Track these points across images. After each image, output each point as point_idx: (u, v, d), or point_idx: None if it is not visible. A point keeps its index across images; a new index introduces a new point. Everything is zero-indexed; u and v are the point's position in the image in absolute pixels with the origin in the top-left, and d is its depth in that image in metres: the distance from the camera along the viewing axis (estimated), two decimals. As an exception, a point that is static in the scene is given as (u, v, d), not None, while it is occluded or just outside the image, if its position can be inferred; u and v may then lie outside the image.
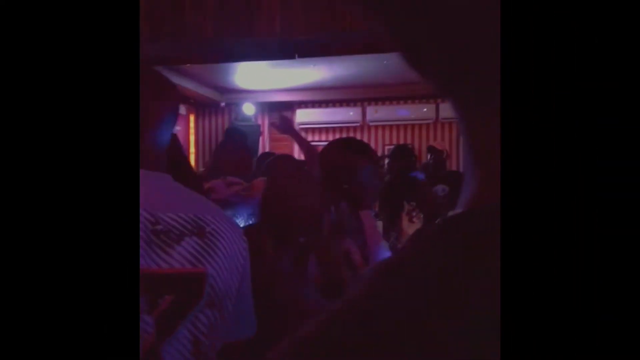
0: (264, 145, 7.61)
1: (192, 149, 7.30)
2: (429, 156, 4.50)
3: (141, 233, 0.74)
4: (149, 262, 0.74)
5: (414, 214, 2.93)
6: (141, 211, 0.75)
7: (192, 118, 7.50)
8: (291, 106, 7.42)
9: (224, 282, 0.81)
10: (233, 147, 2.20)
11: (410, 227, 2.80)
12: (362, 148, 1.73)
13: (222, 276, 0.81)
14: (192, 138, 7.39)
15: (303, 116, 7.37)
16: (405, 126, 7.07)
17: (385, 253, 1.62)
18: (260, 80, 6.39)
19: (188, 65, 5.11)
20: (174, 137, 2.68)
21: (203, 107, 7.41)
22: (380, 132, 7.20)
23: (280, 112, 6.07)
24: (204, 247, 0.80)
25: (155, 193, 0.80)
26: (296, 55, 3.01)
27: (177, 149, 2.52)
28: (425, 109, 6.91)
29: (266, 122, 7.60)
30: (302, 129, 7.50)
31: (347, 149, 1.68)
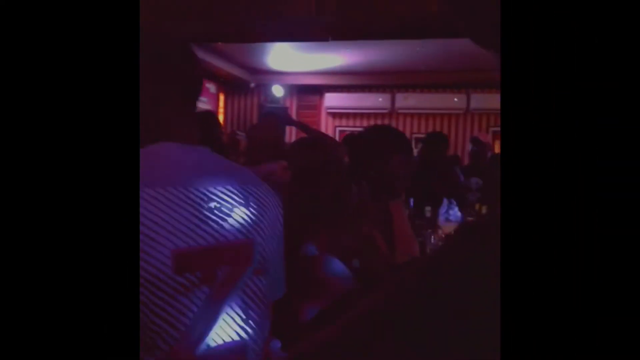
0: (290, 127, 7.62)
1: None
2: (470, 147, 4.44)
3: (194, 211, 0.75)
4: (206, 237, 0.76)
5: (451, 212, 2.90)
6: (191, 189, 0.77)
7: (221, 97, 7.55)
8: (320, 90, 7.39)
9: (268, 248, 0.85)
10: (268, 128, 2.21)
11: (447, 225, 2.76)
12: (396, 136, 1.71)
13: (267, 243, 0.85)
14: (221, 117, 7.45)
15: (332, 100, 7.34)
16: (435, 116, 6.97)
17: (414, 248, 1.61)
18: (291, 62, 6.38)
19: (219, 43, 5.12)
20: (213, 115, 2.71)
21: (233, 87, 7.45)
22: (408, 120, 7.12)
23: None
24: (251, 217, 0.83)
25: (202, 168, 0.82)
26: (330, 38, 2.98)
27: (216, 126, 2.56)
28: (456, 99, 6.80)
29: (294, 104, 7.60)
30: (330, 113, 7.48)
31: (380, 137, 1.66)
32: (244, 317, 0.82)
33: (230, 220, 0.80)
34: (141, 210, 0.70)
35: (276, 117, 2.88)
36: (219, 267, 0.78)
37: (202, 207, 0.77)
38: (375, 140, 1.66)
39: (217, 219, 0.78)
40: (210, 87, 7.42)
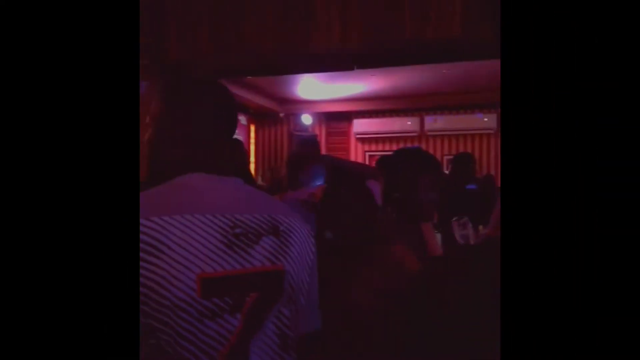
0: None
1: (252, 158, 7.48)
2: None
3: (220, 237, 0.77)
4: (232, 263, 0.77)
5: (462, 228, 2.82)
6: (218, 215, 0.79)
7: (252, 128, 7.70)
8: (348, 116, 7.45)
9: (298, 277, 0.85)
10: (306, 157, 2.23)
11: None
12: (425, 158, 1.71)
13: (296, 272, 0.85)
14: (252, 147, 7.58)
15: (360, 126, 7.37)
16: (465, 136, 6.90)
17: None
18: (318, 90, 6.47)
19: (248, 77, 5.26)
20: (240, 143, 2.76)
21: (262, 118, 7.59)
22: (438, 142, 7.08)
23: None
24: (279, 245, 0.84)
25: (230, 197, 0.84)
26: (355, 67, 3.02)
27: (242, 155, 2.60)
28: (485, 119, 6.72)
29: (323, 131, 7.66)
30: (359, 138, 7.50)
31: (409, 159, 1.67)
32: (281, 346, 0.82)
33: (257, 247, 0.81)
34: (169, 235, 0.72)
35: (307, 145, 2.90)
36: (247, 293, 0.78)
37: (229, 233, 0.79)
38: (405, 162, 1.67)
39: (244, 246, 0.79)
40: (242, 119, 7.58)
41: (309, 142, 2.64)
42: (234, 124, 0.94)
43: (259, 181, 6.72)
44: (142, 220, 0.71)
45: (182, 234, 0.73)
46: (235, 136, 0.95)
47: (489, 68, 4.00)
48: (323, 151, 7.73)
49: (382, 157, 2.07)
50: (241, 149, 2.72)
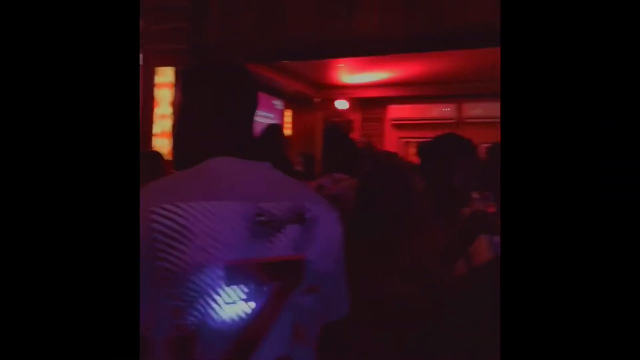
0: (355, 141, 7.62)
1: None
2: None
3: (245, 224, 0.77)
4: (256, 251, 0.78)
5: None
6: (243, 203, 0.78)
7: (287, 114, 7.73)
8: (384, 102, 7.38)
9: (322, 266, 0.84)
10: (336, 144, 2.23)
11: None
12: (461, 143, 1.69)
13: (320, 261, 0.84)
14: (287, 133, 7.62)
15: (395, 112, 7.30)
16: (504, 124, 6.72)
17: (486, 255, 1.57)
18: (354, 76, 6.43)
19: (285, 61, 5.27)
20: (278, 127, 2.76)
21: (298, 103, 7.60)
22: (474, 129, 6.93)
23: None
24: (304, 234, 0.83)
25: (257, 183, 0.84)
26: (392, 51, 2.99)
27: (279, 139, 2.61)
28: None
29: (359, 117, 7.62)
30: (394, 125, 7.43)
31: (446, 144, 1.65)
32: (294, 335, 0.82)
33: (281, 236, 0.81)
34: (194, 222, 0.73)
35: (343, 133, 2.88)
36: (269, 281, 0.79)
37: (253, 220, 0.79)
38: (442, 147, 1.65)
39: (268, 234, 0.80)
40: (277, 103, 7.61)
41: (339, 130, 2.62)
42: (253, 106, 0.93)
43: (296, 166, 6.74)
44: (168, 205, 0.73)
45: (207, 221, 0.74)
46: (273, 121, 0.95)
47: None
48: (357, 137, 7.69)
49: (420, 143, 2.05)
50: (277, 134, 2.72)
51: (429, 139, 1.83)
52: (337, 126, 3.17)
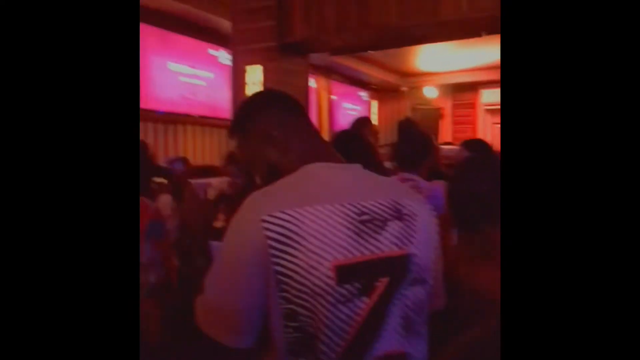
0: (446, 128, 7.43)
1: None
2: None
3: (349, 225, 0.81)
4: (362, 250, 0.81)
5: None
6: (345, 204, 0.82)
7: (374, 104, 7.70)
8: (475, 86, 7.07)
9: (424, 259, 0.87)
10: (405, 141, 2.18)
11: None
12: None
13: (422, 254, 0.87)
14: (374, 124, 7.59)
15: (489, 97, 6.96)
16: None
17: None
18: (442, 62, 6.22)
19: (370, 52, 5.23)
20: (366, 120, 2.73)
21: (384, 93, 7.53)
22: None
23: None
24: (405, 229, 0.86)
25: (353, 184, 0.88)
26: (483, 33, 2.85)
27: (365, 138, 2.58)
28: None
29: (449, 103, 7.39)
30: (488, 110, 7.10)
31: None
32: (404, 327, 0.84)
33: (384, 233, 0.83)
34: (303, 227, 0.77)
35: (413, 128, 2.78)
36: (377, 278, 0.82)
37: (356, 220, 0.82)
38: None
39: (372, 232, 0.82)
40: (363, 94, 7.60)
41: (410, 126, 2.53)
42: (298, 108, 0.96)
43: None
44: (277, 213, 0.78)
45: (315, 225, 0.79)
46: (357, 113, 0.95)
47: None
48: (448, 124, 7.46)
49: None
50: (361, 138, 2.68)
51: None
52: (411, 121, 3.09)
